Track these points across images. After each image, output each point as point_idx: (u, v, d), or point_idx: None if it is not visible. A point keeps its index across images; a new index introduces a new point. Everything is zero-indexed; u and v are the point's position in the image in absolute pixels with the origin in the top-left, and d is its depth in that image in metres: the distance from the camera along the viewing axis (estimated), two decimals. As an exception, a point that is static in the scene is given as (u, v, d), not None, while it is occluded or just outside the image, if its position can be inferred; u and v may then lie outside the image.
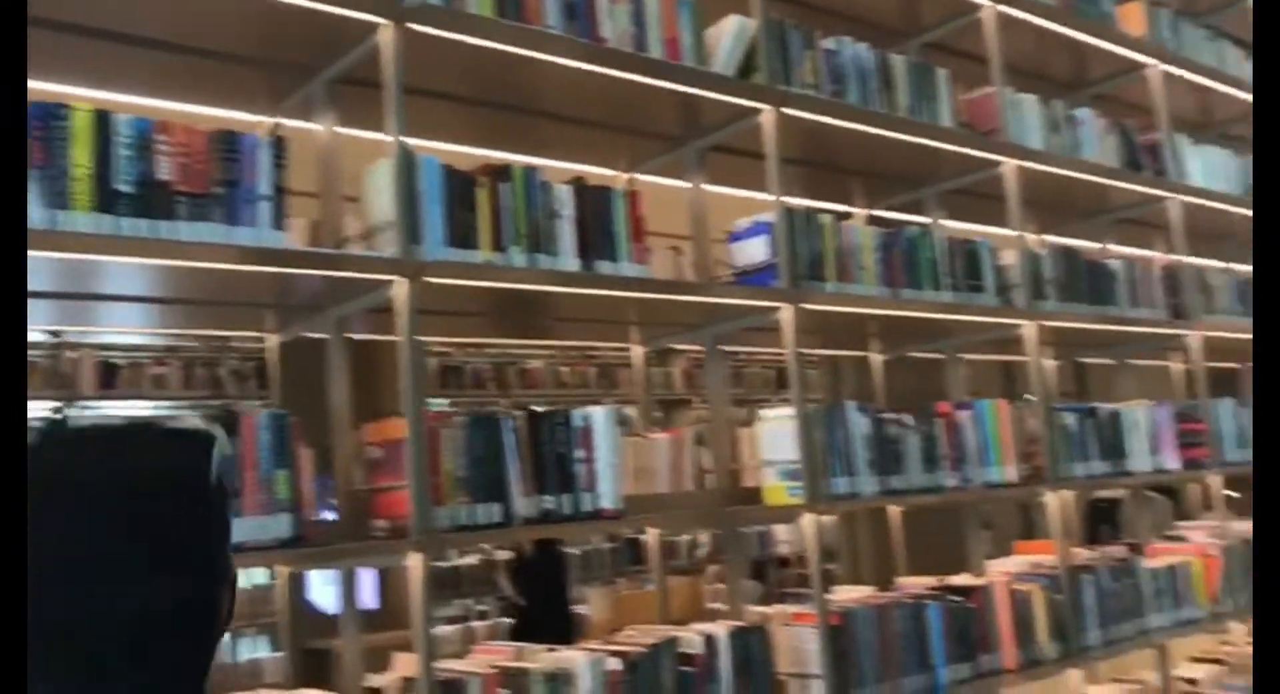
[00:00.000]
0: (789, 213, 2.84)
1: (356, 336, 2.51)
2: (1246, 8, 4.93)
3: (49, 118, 1.80)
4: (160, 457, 0.94)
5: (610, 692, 2.28)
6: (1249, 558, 4.00)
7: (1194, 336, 4.09)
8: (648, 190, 2.76)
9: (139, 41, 2.18)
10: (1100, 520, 5.15)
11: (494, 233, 2.31)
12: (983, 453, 3.21)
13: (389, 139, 2.17)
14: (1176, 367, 4.48)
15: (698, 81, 2.71)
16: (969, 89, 3.53)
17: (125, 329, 5.20)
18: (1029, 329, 3.43)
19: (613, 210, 2.53)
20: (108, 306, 2.40)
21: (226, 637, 1.00)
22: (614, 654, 2.33)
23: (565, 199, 2.45)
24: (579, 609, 7.10)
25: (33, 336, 6.05)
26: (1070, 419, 3.52)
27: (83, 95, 2.18)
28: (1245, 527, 4.26)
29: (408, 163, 2.18)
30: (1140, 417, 3.79)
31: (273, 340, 2.57)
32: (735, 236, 2.93)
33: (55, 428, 0.93)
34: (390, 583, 5.55)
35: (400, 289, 2.13)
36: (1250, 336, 4.38)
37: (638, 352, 3.19)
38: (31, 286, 1.96)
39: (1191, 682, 3.80)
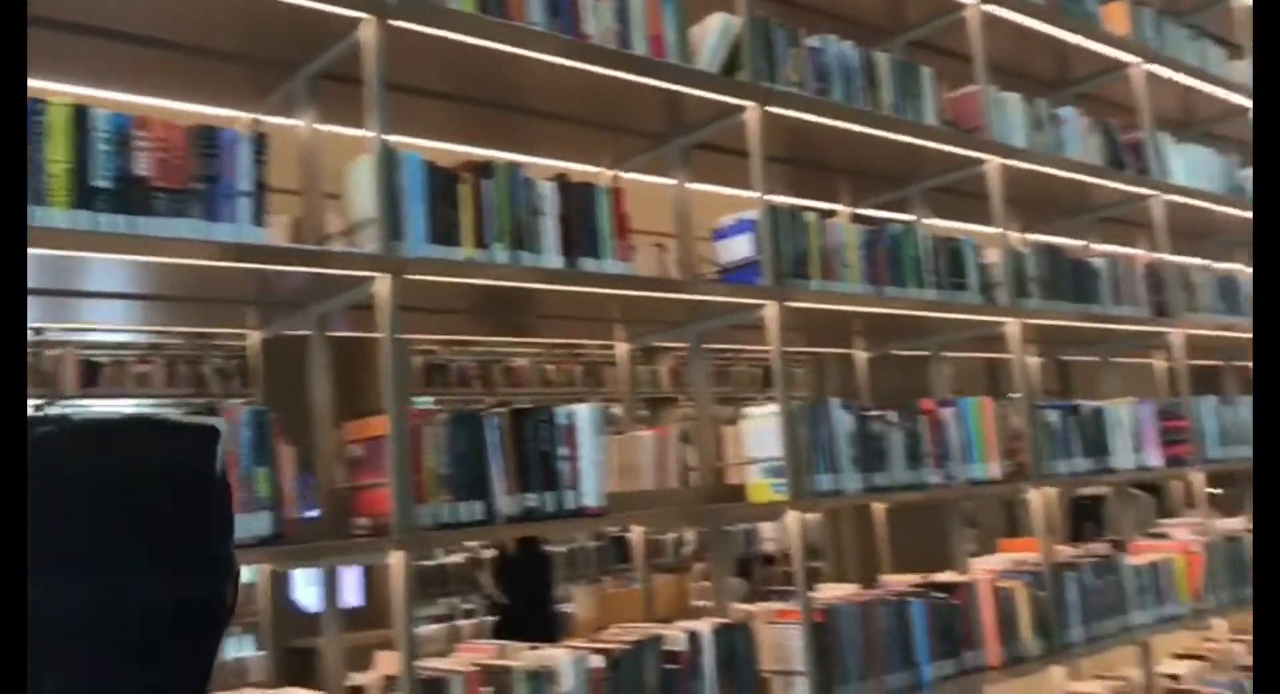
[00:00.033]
0: (773, 210, 2.84)
1: (340, 334, 2.50)
2: (1229, 7, 4.96)
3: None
4: (166, 451, 0.94)
5: (593, 689, 2.28)
6: (1231, 555, 4.03)
7: (1176, 334, 4.11)
8: (632, 187, 2.75)
9: (119, 36, 2.16)
10: (1084, 517, 5.18)
11: (477, 229, 2.31)
12: (966, 450, 3.22)
13: (371, 135, 2.16)
14: (1159, 364, 4.50)
15: (682, 79, 2.70)
16: (953, 87, 3.53)
17: (108, 326, 5.17)
18: (1012, 327, 3.44)
19: (596, 207, 2.53)
20: (89, 304, 2.38)
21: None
22: (597, 652, 2.32)
23: (549, 196, 2.44)
24: (564, 607, 7.10)
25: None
26: (1053, 416, 3.53)
27: (60, 90, 2.17)
28: (1228, 524, 4.28)
29: (389, 159, 2.17)
30: (1123, 414, 3.80)
31: (254, 337, 2.56)
32: (719, 234, 2.93)
33: (59, 423, 0.92)
34: (375, 581, 5.53)
35: (382, 286, 2.12)
36: (1231, 334, 4.42)
37: (623, 349, 3.18)
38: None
39: (1174, 678, 3.82)
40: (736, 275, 2.86)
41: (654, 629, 2.50)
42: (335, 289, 2.23)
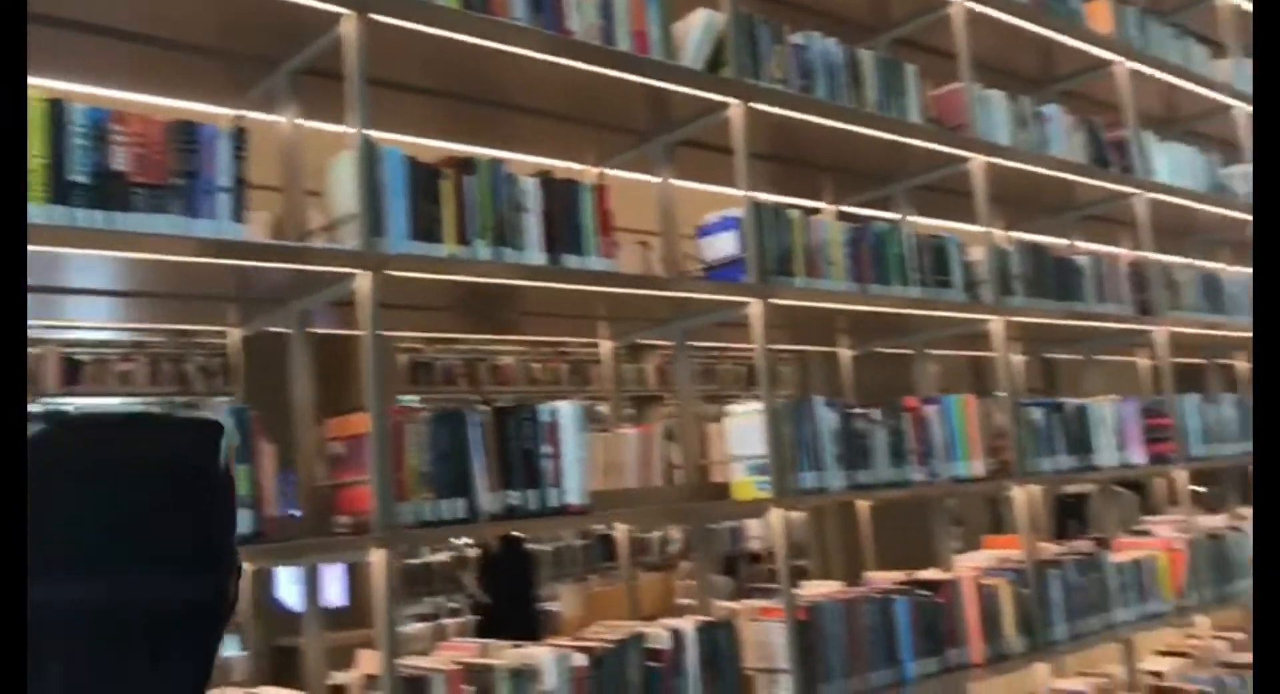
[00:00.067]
0: (757, 208, 2.83)
1: (323, 331, 2.48)
2: (1213, 6, 4.98)
3: (2, 107, 1.77)
4: (169, 445, 0.93)
5: (576, 688, 2.27)
6: (1214, 552, 4.04)
7: (1160, 332, 4.12)
8: (615, 184, 2.74)
9: (98, 30, 2.14)
10: (1067, 515, 5.19)
11: (459, 226, 2.30)
12: (950, 447, 3.22)
13: (352, 131, 2.15)
14: (1143, 362, 4.52)
15: (666, 75, 2.70)
16: (937, 85, 3.54)
17: (89, 324, 5.13)
18: (996, 324, 3.44)
19: (580, 204, 2.52)
20: (70, 301, 2.36)
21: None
22: (580, 650, 2.32)
23: (531, 192, 2.43)
24: (549, 606, 7.09)
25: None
26: (1037, 414, 3.54)
27: (37, 84, 2.15)
28: (1211, 521, 4.30)
29: (371, 155, 2.16)
30: (1107, 412, 3.81)
31: (235, 334, 2.54)
32: (704, 231, 2.92)
33: (60, 418, 0.91)
34: (359, 580, 5.51)
35: (363, 282, 2.11)
36: (1214, 332, 4.44)
37: (607, 347, 3.18)
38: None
39: (1157, 675, 3.83)
40: (721, 273, 2.85)
41: (637, 627, 2.49)
42: (316, 286, 2.21)
